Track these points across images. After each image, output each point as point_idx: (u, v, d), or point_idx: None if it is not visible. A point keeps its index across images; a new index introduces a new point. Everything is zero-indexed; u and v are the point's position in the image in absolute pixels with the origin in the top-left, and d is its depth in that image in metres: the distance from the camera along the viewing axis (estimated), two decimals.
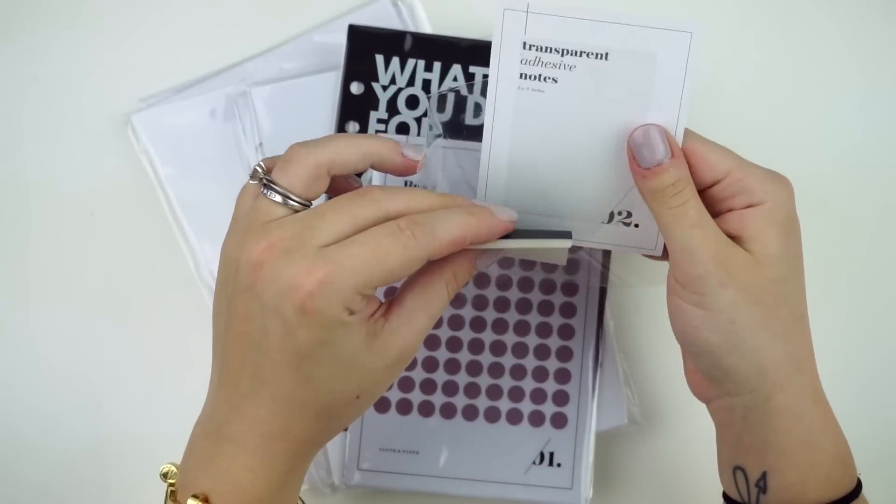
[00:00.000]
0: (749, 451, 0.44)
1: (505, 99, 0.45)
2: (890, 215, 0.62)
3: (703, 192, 0.44)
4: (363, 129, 0.59)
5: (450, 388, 0.57)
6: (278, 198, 0.40)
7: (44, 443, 0.60)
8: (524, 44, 0.44)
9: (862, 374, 0.61)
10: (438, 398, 0.57)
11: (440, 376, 0.57)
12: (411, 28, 0.61)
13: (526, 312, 0.57)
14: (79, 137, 0.61)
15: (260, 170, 0.41)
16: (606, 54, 0.44)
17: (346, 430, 0.57)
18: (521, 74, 0.44)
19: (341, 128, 0.59)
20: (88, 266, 0.61)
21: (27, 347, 0.61)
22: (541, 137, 0.45)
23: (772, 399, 0.42)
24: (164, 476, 0.43)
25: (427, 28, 0.62)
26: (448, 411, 0.57)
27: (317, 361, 0.39)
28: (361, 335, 0.40)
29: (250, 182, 0.42)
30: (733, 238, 0.43)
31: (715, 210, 0.44)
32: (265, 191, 0.40)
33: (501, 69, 0.44)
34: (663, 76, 0.44)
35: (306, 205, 0.41)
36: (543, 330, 0.57)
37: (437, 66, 0.59)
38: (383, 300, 0.42)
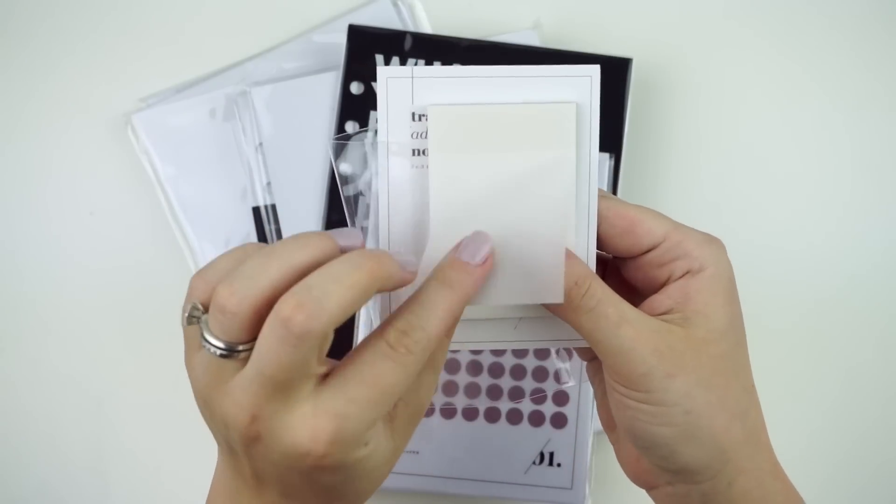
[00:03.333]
0: None
1: (399, 181, 0.39)
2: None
3: (640, 258, 0.41)
4: (363, 128, 0.59)
5: (450, 388, 0.57)
6: (220, 352, 0.34)
7: (43, 444, 0.60)
8: (413, 114, 0.39)
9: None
10: (438, 398, 0.57)
11: (440, 376, 0.57)
12: (411, 28, 0.61)
13: None
14: (79, 137, 0.61)
15: (197, 314, 0.36)
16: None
17: None
18: (414, 150, 0.39)
19: (341, 128, 0.59)
20: (88, 266, 0.61)
21: (27, 348, 0.61)
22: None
23: (734, 484, 0.39)
24: None
25: (427, 28, 0.62)
26: (448, 411, 0.57)
27: (343, 482, 0.37)
28: (386, 435, 0.37)
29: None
30: (675, 313, 0.39)
31: (652, 277, 0.41)
32: (205, 344, 0.35)
33: (391, 148, 0.39)
34: (573, 127, 0.39)
35: (250, 346, 0.35)
36: None
37: (437, 65, 0.59)
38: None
